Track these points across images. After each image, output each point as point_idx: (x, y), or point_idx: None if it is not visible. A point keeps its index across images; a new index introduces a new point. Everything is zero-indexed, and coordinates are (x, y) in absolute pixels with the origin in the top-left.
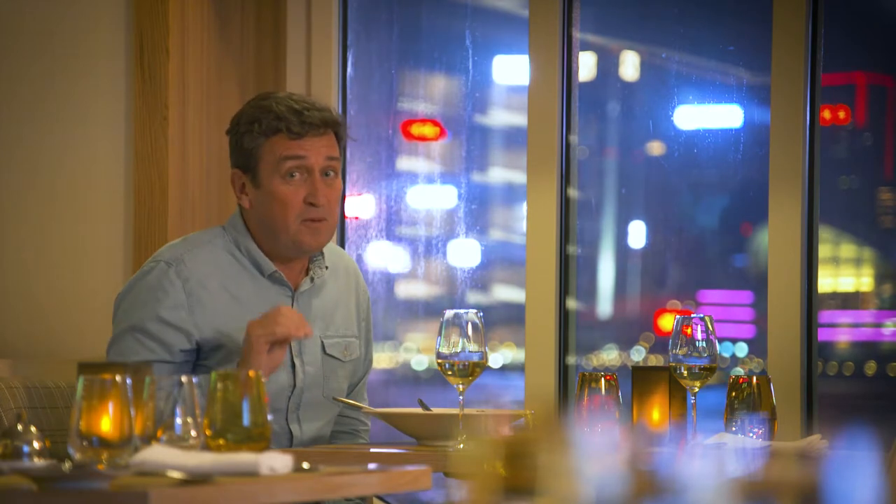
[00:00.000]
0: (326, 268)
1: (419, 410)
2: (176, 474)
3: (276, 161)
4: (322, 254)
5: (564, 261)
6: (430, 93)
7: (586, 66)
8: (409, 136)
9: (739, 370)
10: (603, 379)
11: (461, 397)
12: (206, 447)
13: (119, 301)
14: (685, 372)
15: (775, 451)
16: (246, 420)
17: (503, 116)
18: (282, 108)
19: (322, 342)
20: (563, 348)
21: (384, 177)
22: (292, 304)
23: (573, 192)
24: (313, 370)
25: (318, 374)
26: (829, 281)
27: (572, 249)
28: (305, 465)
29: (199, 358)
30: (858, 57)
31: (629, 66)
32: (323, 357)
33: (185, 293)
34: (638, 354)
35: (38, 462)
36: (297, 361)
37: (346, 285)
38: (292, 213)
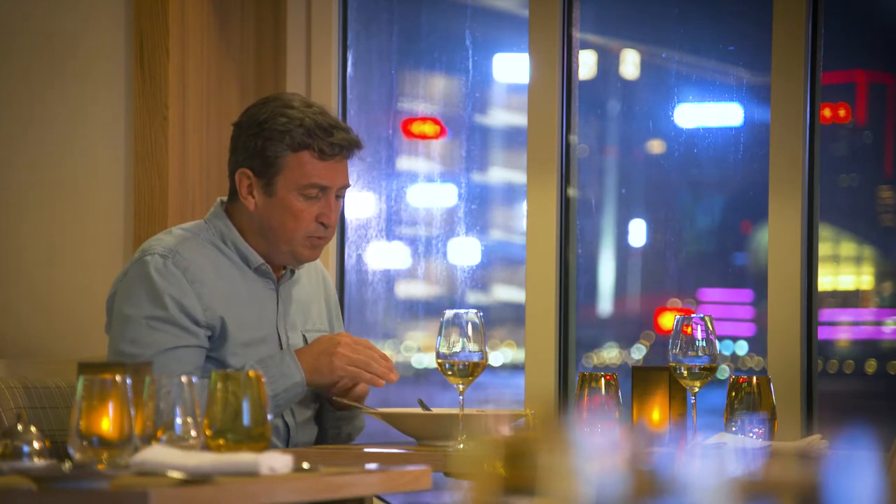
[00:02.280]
0: None
1: (419, 410)
2: (176, 474)
3: (300, 180)
4: None
5: (564, 260)
6: (430, 92)
7: (586, 64)
8: (409, 134)
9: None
10: (603, 378)
11: (461, 397)
12: (206, 447)
13: (116, 299)
14: (685, 372)
15: (775, 451)
16: (246, 420)
17: (503, 116)
18: (310, 122)
19: (303, 335)
20: (563, 348)
21: (384, 176)
22: (277, 296)
23: (573, 192)
24: None
25: None
26: (830, 279)
27: (572, 249)
28: (305, 465)
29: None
30: (858, 55)
31: (629, 64)
32: None
33: (187, 281)
34: (638, 353)
35: (38, 462)
36: None
37: (315, 282)
38: (302, 229)
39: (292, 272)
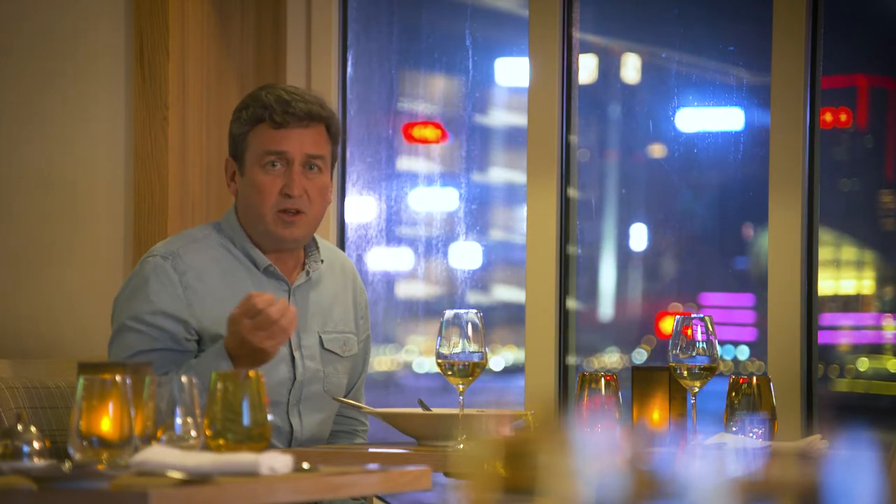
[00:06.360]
0: (322, 261)
1: (419, 410)
2: (176, 474)
3: (258, 151)
4: (317, 248)
5: (564, 261)
6: (431, 93)
7: (587, 68)
8: (410, 138)
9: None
10: (603, 379)
11: (461, 397)
12: (206, 447)
13: (116, 300)
14: (685, 372)
15: (775, 451)
16: (246, 420)
17: (503, 117)
18: (270, 97)
19: (320, 337)
20: (563, 349)
21: (384, 177)
22: (289, 299)
23: (573, 193)
24: (313, 365)
25: (317, 368)
26: (831, 283)
27: (572, 250)
28: (305, 465)
29: (199, 349)
30: (859, 59)
31: (630, 68)
32: (321, 352)
33: (182, 286)
34: (639, 357)
35: (38, 462)
36: (296, 355)
37: (342, 283)
38: (268, 203)
39: (308, 273)
